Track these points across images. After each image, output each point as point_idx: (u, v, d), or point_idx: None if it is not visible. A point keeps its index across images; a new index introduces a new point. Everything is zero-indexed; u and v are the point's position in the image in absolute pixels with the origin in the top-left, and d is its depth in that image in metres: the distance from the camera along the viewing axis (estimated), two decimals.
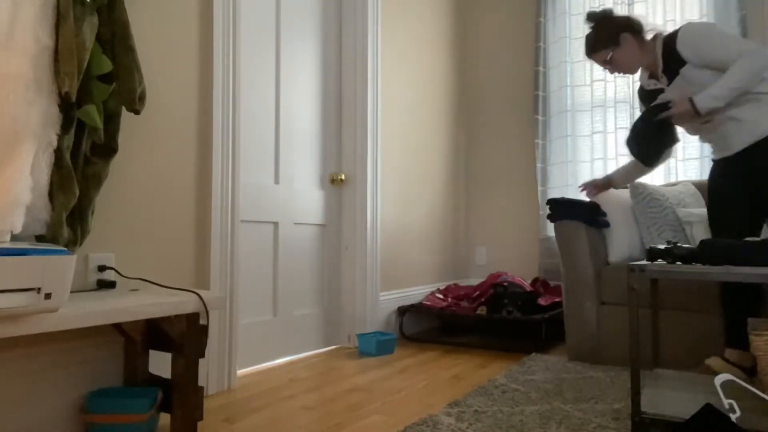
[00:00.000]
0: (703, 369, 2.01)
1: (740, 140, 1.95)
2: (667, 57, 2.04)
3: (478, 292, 3.23)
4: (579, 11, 3.59)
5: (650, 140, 2.08)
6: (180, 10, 1.95)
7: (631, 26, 2.11)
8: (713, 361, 1.98)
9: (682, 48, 1.97)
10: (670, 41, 2.02)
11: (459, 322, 3.40)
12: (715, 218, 2.05)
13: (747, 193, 1.98)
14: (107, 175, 1.57)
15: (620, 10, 3.40)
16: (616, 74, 2.17)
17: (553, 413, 1.77)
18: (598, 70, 3.47)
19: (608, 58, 2.11)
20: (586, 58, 2.38)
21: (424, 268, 3.50)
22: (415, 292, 3.36)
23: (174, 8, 1.93)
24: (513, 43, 3.94)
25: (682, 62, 1.99)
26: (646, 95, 2.21)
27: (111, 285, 1.66)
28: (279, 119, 2.59)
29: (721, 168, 2.05)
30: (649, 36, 2.13)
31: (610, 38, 2.10)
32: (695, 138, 2.88)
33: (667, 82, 2.07)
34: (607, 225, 2.61)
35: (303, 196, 2.73)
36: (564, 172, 3.57)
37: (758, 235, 1.99)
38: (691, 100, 1.90)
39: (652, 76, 2.15)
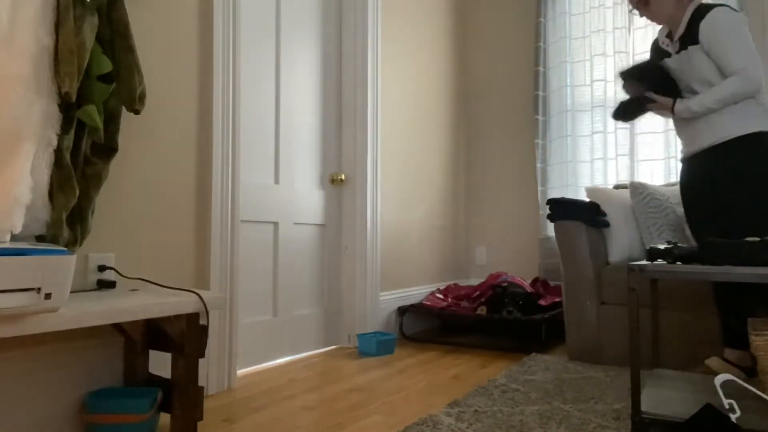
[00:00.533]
0: (703, 369, 2.01)
1: (703, 139, 1.99)
2: (690, 26, 2.02)
3: (478, 292, 3.23)
4: (579, 11, 3.59)
5: (630, 113, 2.21)
6: (180, 10, 1.95)
7: None
8: (713, 361, 1.98)
9: (703, 28, 1.96)
10: (699, 13, 1.99)
11: (459, 322, 3.40)
12: (691, 222, 2.06)
13: (714, 192, 1.98)
14: (107, 175, 1.57)
15: (620, 9, 3.40)
16: (643, 17, 2.14)
17: (553, 413, 1.77)
18: (599, 69, 3.47)
19: None
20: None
21: (424, 268, 3.50)
22: (415, 292, 3.36)
23: (174, 8, 1.93)
24: (513, 43, 3.94)
25: (697, 40, 1.98)
26: (655, 50, 2.20)
27: (111, 285, 1.66)
28: (279, 119, 2.59)
29: (688, 169, 2.07)
30: None
31: None
32: None
33: (678, 49, 2.06)
34: (607, 225, 2.61)
35: (303, 196, 2.73)
36: (564, 172, 3.57)
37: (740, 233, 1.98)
38: (673, 103, 2.03)
39: (669, 35, 2.13)
